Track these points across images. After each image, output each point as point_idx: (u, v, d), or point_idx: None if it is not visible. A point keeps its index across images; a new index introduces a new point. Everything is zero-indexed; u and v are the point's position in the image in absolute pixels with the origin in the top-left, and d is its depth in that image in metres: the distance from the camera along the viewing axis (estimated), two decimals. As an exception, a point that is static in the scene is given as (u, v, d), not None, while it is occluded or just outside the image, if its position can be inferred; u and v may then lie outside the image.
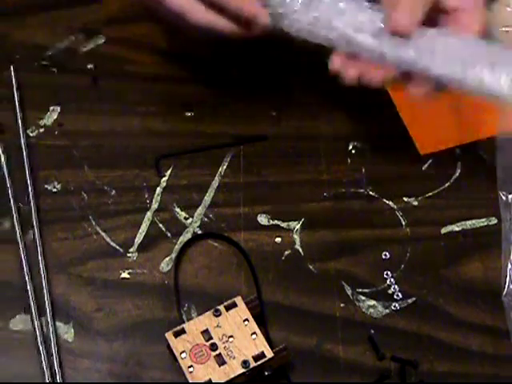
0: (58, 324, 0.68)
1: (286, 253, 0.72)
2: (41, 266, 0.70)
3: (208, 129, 0.78)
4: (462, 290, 0.71)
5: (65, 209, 0.73)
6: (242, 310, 0.66)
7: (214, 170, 0.76)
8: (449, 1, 0.67)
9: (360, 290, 0.71)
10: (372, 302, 0.70)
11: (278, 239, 0.73)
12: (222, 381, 0.63)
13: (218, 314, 0.66)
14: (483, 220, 0.74)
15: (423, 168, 0.77)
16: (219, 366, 0.64)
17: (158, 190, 0.75)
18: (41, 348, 0.66)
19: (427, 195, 0.76)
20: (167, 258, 0.71)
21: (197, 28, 0.70)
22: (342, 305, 0.70)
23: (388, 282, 0.71)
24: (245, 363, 0.64)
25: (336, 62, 0.69)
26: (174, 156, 0.76)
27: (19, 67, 0.80)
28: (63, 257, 0.71)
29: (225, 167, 0.76)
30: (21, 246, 0.71)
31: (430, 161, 0.77)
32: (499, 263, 0.71)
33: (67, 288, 0.70)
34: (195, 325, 0.66)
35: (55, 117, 0.78)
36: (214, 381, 0.63)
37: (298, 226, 0.73)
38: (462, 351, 0.68)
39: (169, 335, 0.65)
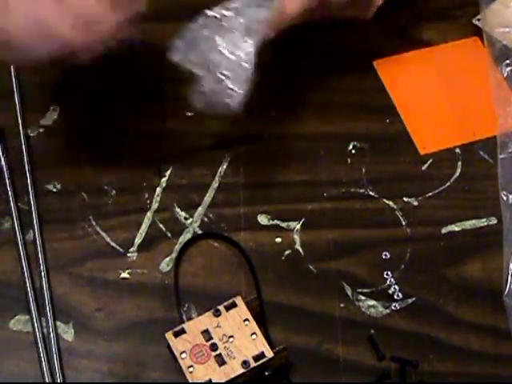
0: (58, 324, 0.68)
1: (286, 253, 0.72)
2: (41, 266, 0.70)
3: (208, 129, 0.78)
4: (462, 290, 0.71)
5: (65, 209, 0.73)
6: (242, 310, 0.66)
7: (213, 170, 0.76)
8: None
9: (360, 290, 0.71)
10: (372, 302, 0.70)
11: (278, 239, 0.73)
12: (222, 381, 0.63)
13: (217, 313, 0.66)
14: (483, 220, 0.74)
15: (423, 168, 0.77)
16: (219, 365, 0.64)
17: (158, 190, 0.75)
18: (41, 348, 0.66)
19: (427, 195, 0.76)
20: (167, 258, 0.71)
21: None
22: (341, 305, 0.70)
23: (388, 281, 0.71)
24: (245, 363, 0.64)
25: None
26: (174, 156, 0.76)
27: (19, 67, 0.80)
28: (63, 257, 0.71)
29: (225, 167, 0.76)
30: (21, 246, 0.71)
31: (430, 161, 0.77)
32: (499, 263, 0.71)
33: (67, 288, 0.70)
34: (195, 325, 0.66)
35: (55, 117, 0.78)
36: (214, 381, 0.63)
37: (298, 226, 0.73)
38: (462, 351, 0.68)
39: (169, 335, 0.65)
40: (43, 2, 0.64)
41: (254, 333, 0.65)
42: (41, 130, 0.77)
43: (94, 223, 0.73)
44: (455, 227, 0.74)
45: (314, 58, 0.83)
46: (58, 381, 0.65)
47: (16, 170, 0.75)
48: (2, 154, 0.75)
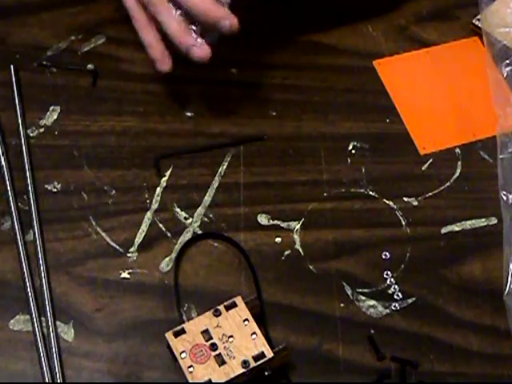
0: (58, 324, 0.68)
1: (286, 253, 0.72)
2: (41, 266, 0.70)
3: (208, 129, 0.78)
4: (462, 290, 0.71)
5: (65, 209, 0.73)
6: (242, 310, 0.66)
7: (213, 170, 0.76)
8: None
9: (360, 290, 0.71)
10: (372, 302, 0.70)
11: (278, 239, 0.73)
12: (222, 381, 0.63)
13: (217, 313, 0.66)
14: (483, 220, 0.74)
15: (423, 168, 0.77)
16: (219, 365, 0.64)
17: (158, 190, 0.75)
18: (41, 348, 0.66)
19: (427, 195, 0.76)
20: (167, 258, 0.71)
21: None
22: (341, 305, 0.70)
23: (388, 281, 0.71)
24: (245, 363, 0.64)
25: None
26: (174, 156, 0.76)
27: (19, 67, 0.80)
28: (63, 257, 0.71)
29: (225, 167, 0.76)
30: (21, 246, 0.71)
31: (430, 161, 0.78)
32: (499, 263, 0.71)
33: (67, 288, 0.70)
34: (195, 325, 0.66)
35: (55, 117, 0.78)
36: (213, 381, 0.63)
37: (297, 226, 0.73)
38: (462, 351, 0.68)
39: (169, 335, 0.65)
40: None
41: (253, 333, 0.65)
42: (41, 130, 0.77)
43: (94, 223, 0.73)
44: (455, 227, 0.74)
45: (314, 58, 0.83)
46: (58, 381, 0.65)
47: (16, 170, 0.75)
48: (2, 154, 0.75)
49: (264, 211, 0.74)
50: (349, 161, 0.77)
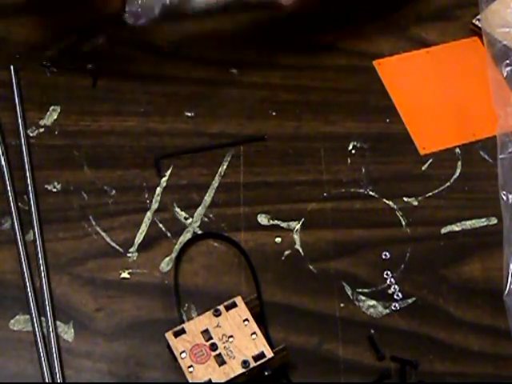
0: (58, 324, 0.68)
1: (286, 253, 0.72)
2: (41, 266, 0.70)
3: (208, 129, 0.78)
4: (462, 290, 0.71)
5: (65, 209, 0.73)
6: (242, 310, 0.66)
7: (213, 170, 0.76)
8: None
9: (360, 290, 0.71)
10: (372, 302, 0.70)
11: (278, 239, 0.73)
12: (222, 381, 0.63)
13: (217, 313, 0.66)
14: (483, 220, 0.74)
15: (423, 168, 0.77)
16: (219, 365, 0.64)
17: (158, 190, 0.75)
18: (41, 348, 0.66)
19: (427, 195, 0.76)
20: (167, 258, 0.71)
21: None
22: (342, 305, 0.70)
23: (388, 281, 0.71)
24: (245, 363, 0.64)
25: None
26: (174, 156, 0.76)
27: (19, 67, 0.80)
28: (63, 257, 0.71)
29: (225, 167, 0.76)
30: (21, 246, 0.71)
31: (430, 161, 0.78)
32: (499, 263, 0.71)
33: (67, 288, 0.70)
34: (195, 325, 0.66)
35: (55, 117, 0.78)
36: (213, 381, 0.63)
37: (297, 226, 0.73)
38: (462, 351, 0.68)
39: (169, 335, 0.65)
40: None
41: (253, 333, 0.65)
42: (41, 130, 0.77)
43: (93, 223, 0.73)
44: (455, 227, 0.74)
45: (313, 57, 0.83)
46: (58, 381, 0.65)
47: (16, 170, 0.75)
48: (2, 154, 0.75)
49: (264, 211, 0.74)
50: (349, 161, 0.77)
